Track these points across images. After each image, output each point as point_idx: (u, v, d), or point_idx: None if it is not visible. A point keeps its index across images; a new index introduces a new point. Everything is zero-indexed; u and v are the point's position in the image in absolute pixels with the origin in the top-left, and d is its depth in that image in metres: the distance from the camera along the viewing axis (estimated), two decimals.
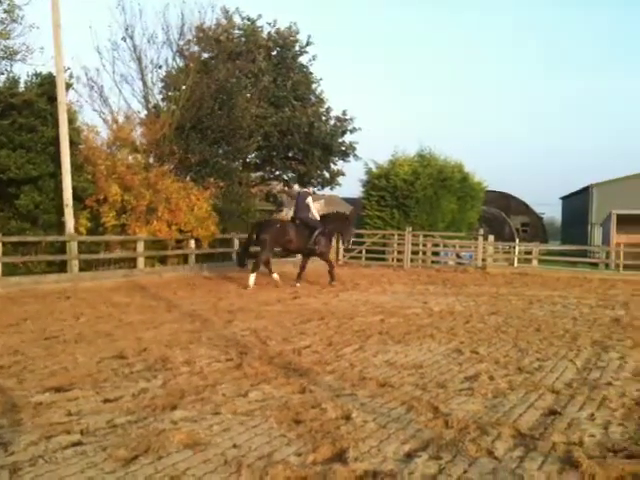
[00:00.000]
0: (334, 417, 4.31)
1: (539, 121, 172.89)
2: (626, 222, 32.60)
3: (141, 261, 15.00)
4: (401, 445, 3.81)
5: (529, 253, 22.05)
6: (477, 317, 9.52)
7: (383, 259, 21.63)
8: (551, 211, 64.82)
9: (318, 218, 14.08)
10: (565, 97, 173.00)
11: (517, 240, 30.49)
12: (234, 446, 3.75)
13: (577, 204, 39.58)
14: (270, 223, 14.14)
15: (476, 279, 16.87)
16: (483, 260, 20.48)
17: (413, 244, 21.13)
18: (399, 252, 21.41)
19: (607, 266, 22.02)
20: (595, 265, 22.79)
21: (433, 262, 21.28)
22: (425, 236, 21.63)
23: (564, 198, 46.37)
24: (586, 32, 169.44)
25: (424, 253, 21.67)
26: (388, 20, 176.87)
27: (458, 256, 22.27)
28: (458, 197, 24.48)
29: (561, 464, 3.57)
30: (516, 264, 21.19)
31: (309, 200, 14.02)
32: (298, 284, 13.62)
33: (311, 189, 14.88)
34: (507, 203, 43.77)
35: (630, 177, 33.76)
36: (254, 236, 13.71)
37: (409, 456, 3.63)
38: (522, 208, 45.87)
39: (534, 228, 44.96)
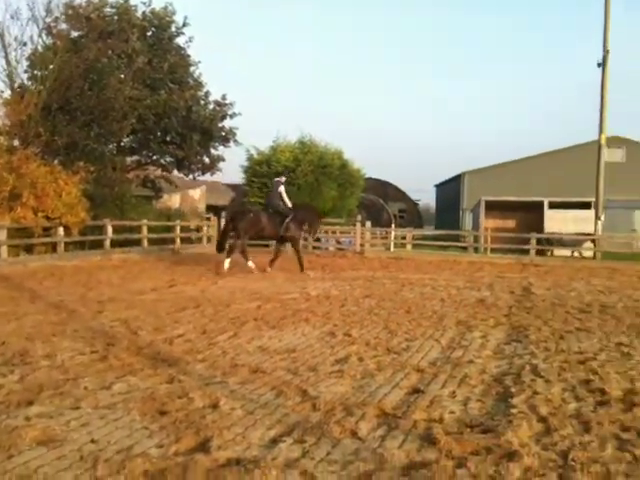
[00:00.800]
0: (201, 406, 4.22)
1: (419, 113, 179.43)
2: (494, 208, 34.68)
3: (4, 250, 14.07)
4: (267, 431, 3.78)
5: (404, 238, 22.88)
6: (352, 300, 9.71)
7: (265, 245, 21.58)
8: (427, 198, 67.75)
9: (290, 206, 14.64)
10: (440, 93, 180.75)
11: (394, 226, 31.53)
12: (92, 441, 3.57)
13: (450, 191, 41.45)
14: (244, 212, 14.80)
15: (354, 264, 17.26)
16: (361, 245, 21.06)
17: None
18: None
19: (476, 250, 23.24)
20: (465, 249, 23.99)
21: (314, 248, 21.53)
22: None
23: (438, 185, 48.44)
24: (469, 33, 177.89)
25: (305, 239, 21.84)
26: (271, 8, 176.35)
27: (338, 242, 22.71)
28: (338, 184, 24.92)
29: (421, 441, 3.67)
30: (392, 249, 21.95)
31: (281, 189, 14.49)
32: (269, 269, 14.25)
33: (282, 181, 15.10)
34: (385, 190, 45.19)
35: (498, 165, 35.80)
36: (230, 224, 14.29)
37: (274, 441, 3.61)
38: (399, 195, 47.55)
39: (410, 214, 46.74)
